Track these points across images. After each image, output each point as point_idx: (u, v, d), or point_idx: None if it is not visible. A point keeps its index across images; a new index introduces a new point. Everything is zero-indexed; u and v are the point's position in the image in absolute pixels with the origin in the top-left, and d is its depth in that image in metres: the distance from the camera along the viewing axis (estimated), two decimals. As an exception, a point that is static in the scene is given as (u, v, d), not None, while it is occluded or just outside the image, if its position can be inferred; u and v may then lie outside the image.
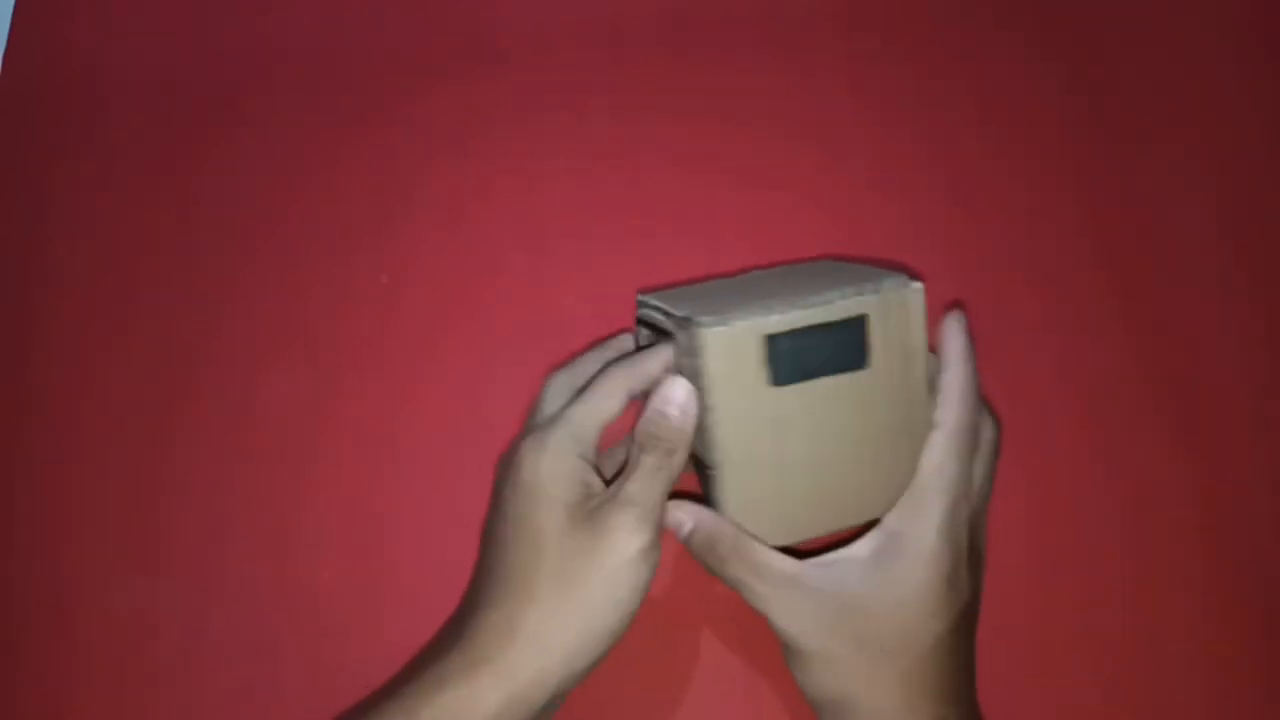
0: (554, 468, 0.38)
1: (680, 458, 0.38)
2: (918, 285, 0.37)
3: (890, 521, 0.38)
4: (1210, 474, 0.48)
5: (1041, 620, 0.45)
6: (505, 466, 0.40)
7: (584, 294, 0.51)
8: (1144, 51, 0.57)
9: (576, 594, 0.36)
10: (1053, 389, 0.50)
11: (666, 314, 0.40)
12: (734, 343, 0.36)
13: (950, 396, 0.38)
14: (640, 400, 0.40)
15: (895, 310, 0.37)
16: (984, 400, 0.40)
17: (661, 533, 0.38)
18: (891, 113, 0.56)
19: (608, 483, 0.39)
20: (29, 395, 0.51)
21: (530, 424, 0.42)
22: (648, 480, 0.38)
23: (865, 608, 0.36)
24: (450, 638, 0.38)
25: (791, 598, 0.37)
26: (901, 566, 0.36)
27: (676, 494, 0.39)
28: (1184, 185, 0.54)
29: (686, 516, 0.39)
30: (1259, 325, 0.51)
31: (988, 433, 0.40)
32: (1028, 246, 0.53)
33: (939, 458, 0.38)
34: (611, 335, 0.47)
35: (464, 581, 0.41)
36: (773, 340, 0.36)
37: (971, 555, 0.38)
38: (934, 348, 0.39)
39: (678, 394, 0.37)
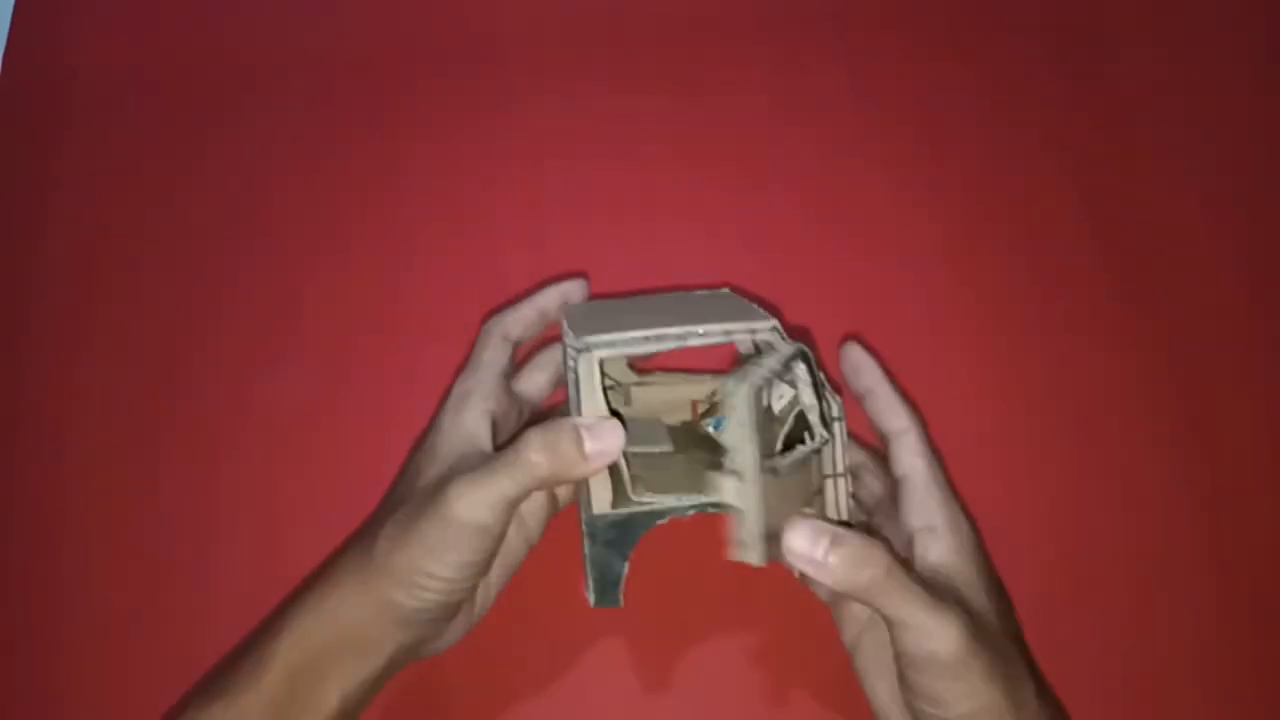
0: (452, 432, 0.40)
1: (547, 478, 0.37)
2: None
3: (916, 516, 0.38)
4: (1211, 474, 0.48)
5: (1042, 620, 0.45)
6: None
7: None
8: (1145, 49, 0.57)
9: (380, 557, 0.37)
10: (1053, 388, 0.50)
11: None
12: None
13: (892, 407, 0.40)
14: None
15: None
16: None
17: (504, 518, 0.37)
18: (892, 109, 0.56)
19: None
20: (28, 394, 0.51)
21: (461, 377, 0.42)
22: (508, 470, 0.36)
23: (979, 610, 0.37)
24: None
25: (947, 612, 0.35)
26: (961, 554, 0.38)
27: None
28: (1185, 184, 0.54)
29: (823, 534, 0.35)
30: (1260, 324, 0.51)
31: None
32: (1028, 245, 0.53)
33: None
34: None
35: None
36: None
37: (1000, 601, 0.39)
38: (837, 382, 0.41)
39: (609, 441, 0.37)
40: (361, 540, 0.39)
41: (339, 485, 0.48)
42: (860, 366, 0.41)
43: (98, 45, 0.59)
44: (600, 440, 0.36)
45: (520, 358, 0.44)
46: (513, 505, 0.37)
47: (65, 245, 0.54)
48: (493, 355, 0.42)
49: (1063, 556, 0.46)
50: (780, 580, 0.41)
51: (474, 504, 0.36)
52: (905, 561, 0.35)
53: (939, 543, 0.38)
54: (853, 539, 0.34)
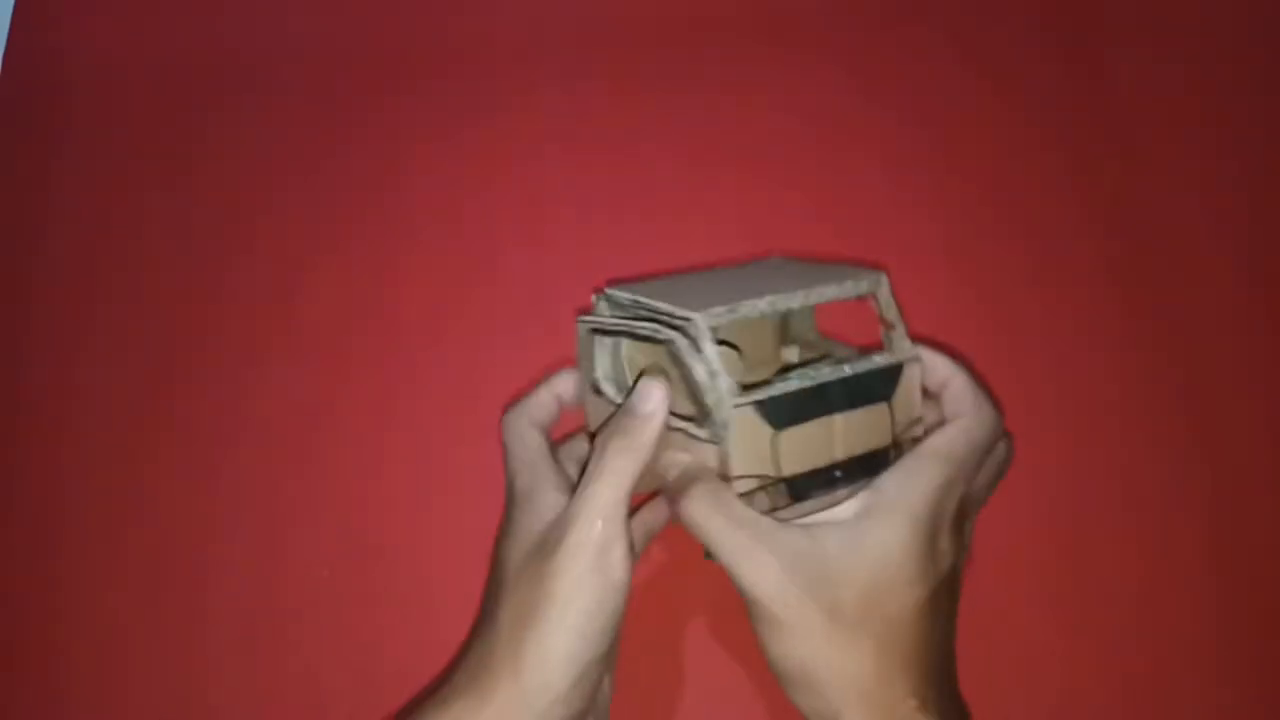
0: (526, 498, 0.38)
1: (642, 456, 0.36)
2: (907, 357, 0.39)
3: (882, 480, 0.37)
4: (1212, 473, 0.48)
5: (1043, 621, 0.45)
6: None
7: (583, 286, 0.51)
8: (1147, 47, 0.57)
9: (530, 623, 0.35)
10: (1054, 388, 0.50)
11: (658, 316, 0.39)
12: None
13: (964, 397, 0.39)
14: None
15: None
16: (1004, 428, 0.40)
17: (626, 536, 0.36)
18: (892, 108, 0.56)
19: None
20: (27, 393, 0.51)
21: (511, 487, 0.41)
22: (602, 482, 0.36)
23: (842, 571, 0.35)
24: (450, 672, 0.37)
25: (762, 556, 0.34)
26: (884, 527, 0.35)
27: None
28: (1187, 183, 0.54)
29: (679, 454, 0.37)
30: (1262, 324, 0.51)
31: (1001, 450, 0.40)
32: (1029, 244, 0.53)
33: (953, 434, 0.37)
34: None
35: (461, 578, 0.41)
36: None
37: (956, 535, 0.37)
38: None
39: (654, 393, 0.36)
40: (476, 655, 0.36)
41: (339, 485, 0.48)
42: (936, 362, 0.41)
43: (98, 45, 0.59)
44: (646, 401, 0.36)
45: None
46: (626, 505, 0.36)
47: (65, 244, 0.54)
48: (534, 443, 0.41)
49: (1063, 556, 0.46)
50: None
51: (589, 522, 0.35)
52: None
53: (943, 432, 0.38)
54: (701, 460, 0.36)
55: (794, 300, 0.37)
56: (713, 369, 0.36)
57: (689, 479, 0.36)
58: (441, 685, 0.36)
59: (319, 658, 0.45)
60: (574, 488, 0.37)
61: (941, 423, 0.39)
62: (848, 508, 0.36)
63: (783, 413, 0.36)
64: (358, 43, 0.59)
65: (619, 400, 0.40)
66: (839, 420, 0.37)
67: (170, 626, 0.46)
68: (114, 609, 0.46)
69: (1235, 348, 0.50)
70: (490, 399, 0.48)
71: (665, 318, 0.38)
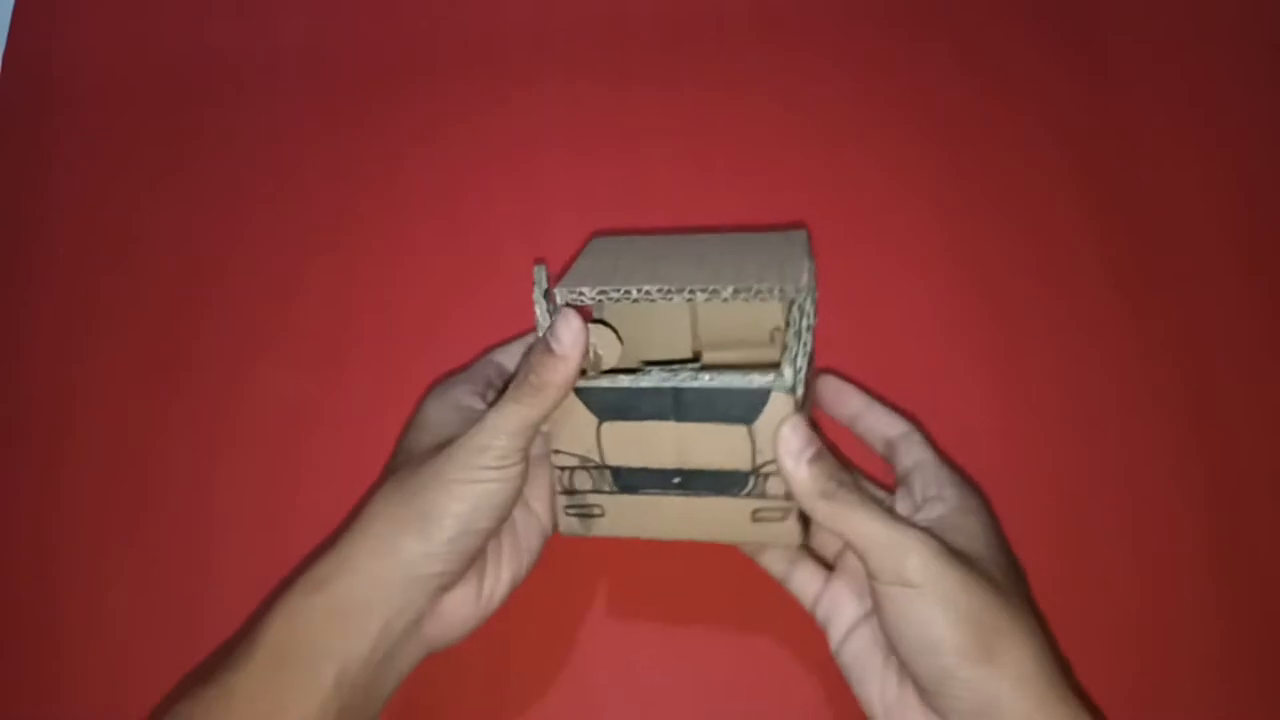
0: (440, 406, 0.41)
1: (550, 397, 0.37)
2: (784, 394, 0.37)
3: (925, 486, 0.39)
4: (1215, 474, 0.48)
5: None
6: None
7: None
8: (1148, 46, 0.57)
9: (419, 485, 0.37)
10: (1056, 387, 0.50)
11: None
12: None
13: (888, 417, 0.43)
14: None
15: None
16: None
17: (520, 467, 0.37)
18: (892, 108, 0.56)
19: None
20: (26, 392, 0.51)
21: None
22: (513, 395, 0.37)
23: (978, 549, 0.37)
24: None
25: (915, 533, 0.35)
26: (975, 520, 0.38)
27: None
28: (1190, 182, 0.54)
29: (808, 434, 0.36)
30: (1266, 323, 0.51)
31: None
32: (1031, 243, 0.53)
33: (932, 450, 0.41)
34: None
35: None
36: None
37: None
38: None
39: (567, 330, 0.37)
40: (355, 514, 0.38)
41: (338, 484, 0.48)
42: (842, 392, 0.44)
43: (98, 45, 0.60)
44: (561, 335, 0.37)
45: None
46: (527, 433, 0.37)
47: (64, 244, 0.54)
48: (482, 365, 0.44)
49: (1064, 556, 0.46)
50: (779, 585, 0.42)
51: (490, 431, 0.36)
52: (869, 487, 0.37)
53: (943, 503, 0.38)
54: (830, 458, 0.36)
55: (679, 294, 0.37)
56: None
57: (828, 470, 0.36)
58: (326, 544, 0.38)
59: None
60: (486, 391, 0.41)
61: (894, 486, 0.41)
62: (937, 511, 0.38)
63: (603, 405, 0.38)
64: (357, 42, 0.59)
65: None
66: (669, 427, 0.37)
67: (170, 626, 0.46)
68: (114, 609, 0.46)
69: (1237, 347, 0.50)
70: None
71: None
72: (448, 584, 0.37)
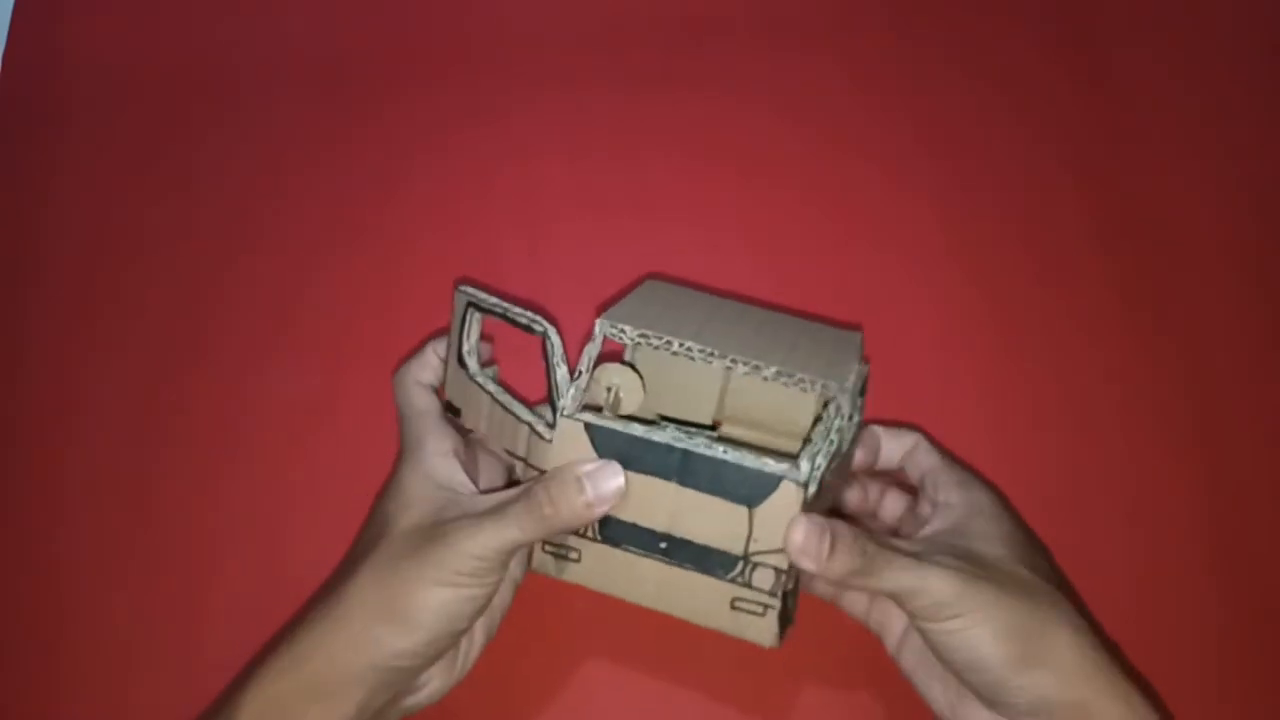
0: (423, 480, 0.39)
1: (556, 526, 0.36)
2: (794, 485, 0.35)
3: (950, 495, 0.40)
4: (1215, 474, 0.48)
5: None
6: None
7: (583, 285, 0.51)
8: (1148, 45, 0.57)
9: (403, 581, 0.36)
10: (1056, 387, 0.50)
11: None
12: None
13: (892, 432, 0.44)
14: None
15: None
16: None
17: (507, 562, 0.36)
18: (892, 108, 0.56)
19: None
20: (27, 393, 0.51)
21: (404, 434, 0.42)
22: (520, 514, 0.36)
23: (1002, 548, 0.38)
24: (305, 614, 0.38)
25: (933, 567, 0.35)
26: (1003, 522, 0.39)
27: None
28: (1190, 181, 0.54)
29: (820, 527, 0.35)
30: (1266, 323, 0.51)
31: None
32: (1031, 243, 0.53)
33: (940, 455, 0.42)
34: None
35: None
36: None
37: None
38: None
39: (609, 485, 0.36)
40: (331, 588, 0.37)
41: (339, 485, 0.48)
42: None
43: (98, 45, 0.60)
44: (600, 487, 0.36)
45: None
46: (519, 550, 0.37)
47: (65, 244, 0.54)
48: (422, 400, 0.42)
49: (1064, 556, 0.46)
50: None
51: (483, 545, 0.35)
52: (887, 540, 0.37)
53: (952, 510, 0.40)
54: (843, 534, 0.35)
55: (720, 359, 0.37)
56: (567, 376, 0.37)
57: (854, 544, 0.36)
58: (307, 609, 0.37)
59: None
60: (460, 443, 0.40)
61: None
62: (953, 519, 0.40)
63: (609, 447, 0.37)
64: (361, 45, 0.59)
65: (478, 377, 0.40)
66: (669, 488, 0.36)
67: (170, 626, 0.46)
68: (114, 609, 0.46)
69: (1237, 348, 0.50)
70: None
71: (528, 318, 0.38)
72: (425, 668, 0.37)
